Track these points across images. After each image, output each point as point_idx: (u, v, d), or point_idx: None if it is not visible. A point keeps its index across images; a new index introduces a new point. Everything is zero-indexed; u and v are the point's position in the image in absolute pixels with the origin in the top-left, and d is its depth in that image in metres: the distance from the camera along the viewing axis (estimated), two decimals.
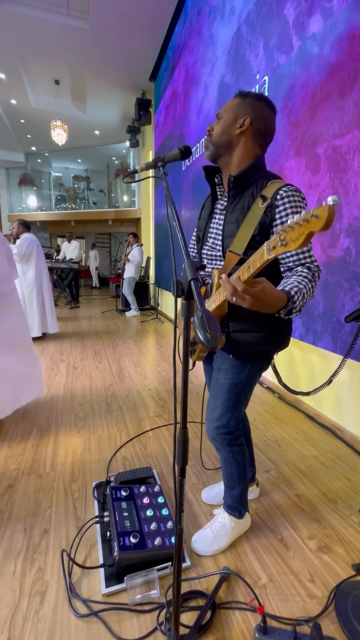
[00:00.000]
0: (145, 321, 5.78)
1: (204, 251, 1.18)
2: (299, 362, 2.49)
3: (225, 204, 1.11)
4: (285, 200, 0.96)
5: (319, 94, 2.02)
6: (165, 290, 6.43)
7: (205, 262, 1.18)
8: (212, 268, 1.14)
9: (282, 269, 1.01)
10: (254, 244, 0.98)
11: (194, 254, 1.32)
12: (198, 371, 3.19)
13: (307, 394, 1.64)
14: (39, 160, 12.41)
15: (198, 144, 4.12)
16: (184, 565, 1.15)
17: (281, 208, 0.97)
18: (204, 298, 1.16)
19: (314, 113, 2.07)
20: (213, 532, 1.24)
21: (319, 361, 2.25)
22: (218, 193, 1.16)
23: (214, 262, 1.14)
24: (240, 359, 1.10)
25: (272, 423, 2.17)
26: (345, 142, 1.83)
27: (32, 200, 12.50)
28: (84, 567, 1.13)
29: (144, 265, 7.05)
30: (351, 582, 1.10)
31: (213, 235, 1.14)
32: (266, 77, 2.58)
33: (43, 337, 4.33)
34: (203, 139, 3.94)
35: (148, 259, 7.62)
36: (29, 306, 4.21)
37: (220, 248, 1.10)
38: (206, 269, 1.19)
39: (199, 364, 1.37)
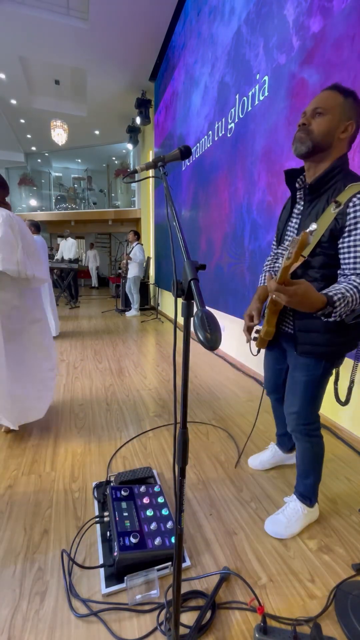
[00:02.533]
0: (145, 321, 5.78)
1: (279, 251, 1.25)
2: None
3: (302, 208, 1.13)
4: (358, 208, 0.94)
5: None
6: (165, 290, 6.43)
7: (280, 260, 1.24)
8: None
9: (339, 272, 1.03)
10: (320, 248, 1.02)
11: (273, 253, 1.35)
12: (198, 371, 3.19)
13: (344, 404, 1.61)
14: (39, 160, 12.41)
15: (198, 144, 4.12)
16: (184, 565, 1.15)
17: (352, 216, 0.95)
18: None
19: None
20: (286, 518, 1.30)
21: None
22: (298, 196, 1.16)
23: None
24: (309, 357, 1.13)
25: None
26: None
27: (32, 201, 12.51)
28: (84, 567, 1.13)
29: (144, 265, 7.06)
30: (351, 582, 1.10)
31: (288, 239, 1.18)
32: (266, 77, 2.58)
33: None
34: (203, 139, 3.94)
35: (148, 258, 7.62)
36: None
37: None
38: (279, 265, 1.24)
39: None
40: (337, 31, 1.87)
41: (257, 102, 2.73)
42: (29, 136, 10.15)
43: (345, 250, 0.98)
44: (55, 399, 2.52)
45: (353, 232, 0.96)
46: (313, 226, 0.94)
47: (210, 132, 3.74)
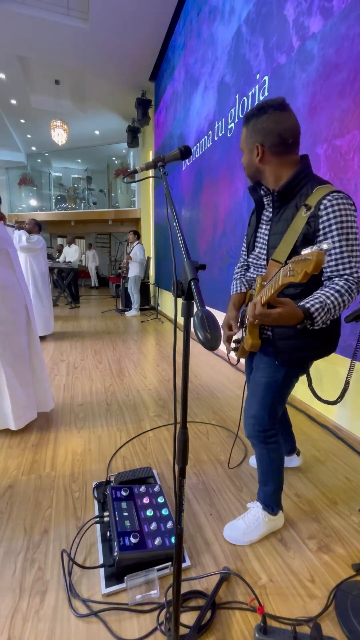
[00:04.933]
0: (145, 321, 5.78)
1: (251, 259, 1.23)
2: None
3: (271, 215, 1.13)
4: (330, 210, 0.95)
5: (319, 94, 2.02)
6: (165, 290, 6.43)
7: (252, 269, 1.25)
8: (257, 275, 1.19)
9: (322, 278, 1.03)
10: (296, 254, 0.98)
11: (243, 259, 1.37)
12: (198, 371, 3.19)
13: (334, 402, 1.66)
14: (39, 160, 12.41)
15: (198, 144, 4.12)
16: (184, 565, 1.15)
17: (324, 219, 0.96)
18: (248, 303, 1.24)
19: (314, 113, 2.07)
20: (246, 524, 1.27)
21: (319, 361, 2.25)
22: (265, 202, 1.17)
23: (259, 269, 1.20)
24: (280, 363, 1.12)
25: None
26: (345, 142, 1.83)
27: (32, 200, 12.50)
28: (84, 567, 1.13)
29: (144, 264, 7.06)
30: (351, 582, 1.09)
31: (259, 245, 1.18)
32: (266, 77, 2.58)
33: (43, 338, 4.34)
34: (203, 139, 3.94)
35: (148, 258, 7.62)
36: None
37: (265, 258, 1.15)
38: (251, 274, 1.25)
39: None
40: (337, 31, 1.87)
41: (257, 102, 2.73)
42: (29, 136, 10.15)
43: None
44: (55, 398, 2.52)
45: (329, 235, 0.97)
46: (324, 246, 0.83)
47: (210, 132, 3.74)
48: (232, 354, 1.38)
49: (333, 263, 0.98)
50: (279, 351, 1.09)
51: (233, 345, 1.29)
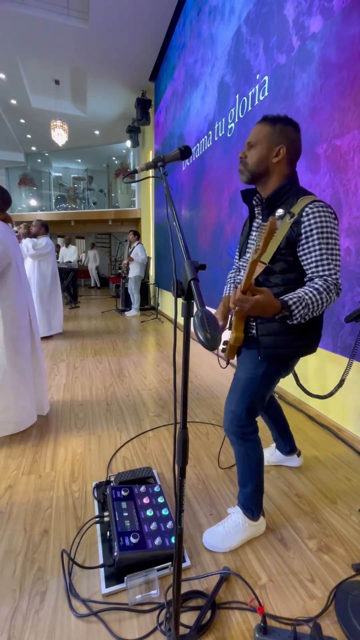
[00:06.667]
0: (145, 321, 5.78)
1: (241, 263, 1.31)
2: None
3: (260, 221, 1.20)
4: (311, 216, 1.03)
5: (319, 94, 2.02)
6: (165, 290, 6.43)
7: (242, 272, 1.31)
8: None
9: (305, 279, 1.09)
10: (279, 255, 1.09)
11: (236, 264, 1.41)
12: (198, 371, 3.19)
13: (323, 397, 1.69)
14: (39, 160, 12.41)
15: (198, 144, 4.12)
16: (184, 565, 1.15)
17: (306, 224, 1.04)
18: None
19: (314, 113, 2.07)
20: (225, 530, 1.25)
21: (319, 361, 2.25)
22: (256, 212, 1.23)
23: None
24: (262, 358, 1.15)
25: None
26: (345, 142, 1.83)
27: (32, 201, 12.50)
28: (84, 567, 1.13)
29: (145, 264, 7.06)
30: (351, 582, 1.09)
31: (250, 251, 1.25)
32: (266, 77, 2.58)
33: (49, 338, 4.34)
34: (203, 139, 3.94)
35: (148, 259, 7.62)
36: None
37: None
38: (241, 277, 1.30)
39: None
40: (337, 31, 1.87)
41: (257, 102, 2.73)
42: (29, 136, 10.14)
43: (306, 255, 1.06)
44: (55, 399, 2.52)
45: (310, 239, 1.04)
46: (280, 211, 1.03)
47: (210, 132, 3.74)
48: (222, 362, 1.40)
49: (314, 265, 1.05)
50: (262, 346, 1.13)
51: (222, 346, 1.30)
